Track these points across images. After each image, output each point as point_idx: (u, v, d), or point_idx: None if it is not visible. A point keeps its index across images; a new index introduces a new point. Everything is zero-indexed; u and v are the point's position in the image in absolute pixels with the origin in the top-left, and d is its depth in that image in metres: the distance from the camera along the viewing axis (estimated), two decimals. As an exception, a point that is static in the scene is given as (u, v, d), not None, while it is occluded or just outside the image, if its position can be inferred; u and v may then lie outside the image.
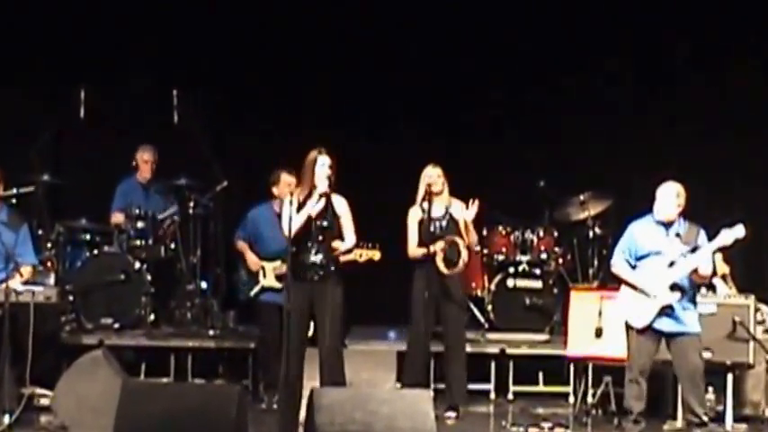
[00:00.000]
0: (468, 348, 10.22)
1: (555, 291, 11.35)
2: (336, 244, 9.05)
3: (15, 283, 9.40)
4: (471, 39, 12.19)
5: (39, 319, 9.26)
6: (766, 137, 11.70)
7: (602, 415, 9.99)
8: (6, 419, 9.07)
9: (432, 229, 9.79)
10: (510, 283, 11.42)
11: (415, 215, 9.89)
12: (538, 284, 11.39)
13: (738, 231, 8.68)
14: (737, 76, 11.89)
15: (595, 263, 11.36)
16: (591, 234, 11.42)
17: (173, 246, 11.24)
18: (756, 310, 9.66)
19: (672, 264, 8.80)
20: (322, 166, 8.98)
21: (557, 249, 11.56)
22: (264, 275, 10.35)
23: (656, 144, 11.72)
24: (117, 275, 11.03)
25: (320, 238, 8.99)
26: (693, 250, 8.78)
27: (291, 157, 9.94)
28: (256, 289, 10.37)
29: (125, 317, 11.04)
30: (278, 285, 10.07)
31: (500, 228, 11.55)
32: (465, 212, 9.79)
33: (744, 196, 11.26)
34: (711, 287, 9.87)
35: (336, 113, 12.13)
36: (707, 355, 9.06)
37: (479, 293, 11.44)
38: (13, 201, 10.27)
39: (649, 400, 8.99)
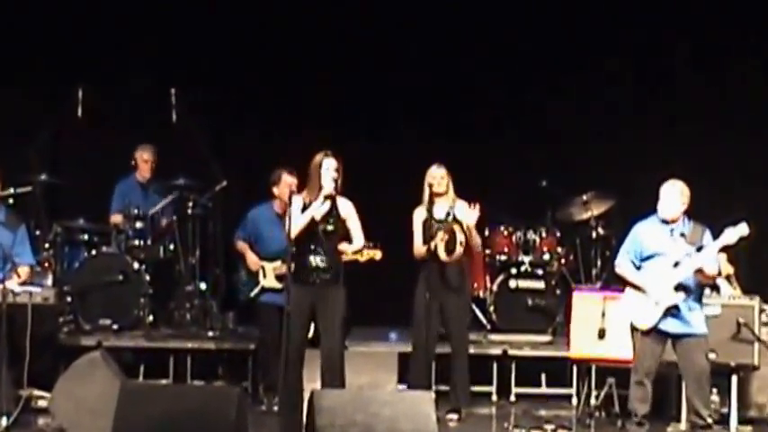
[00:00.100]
0: (471, 350, 10.19)
1: (558, 291, 11.32)
2: (344, 246, 9.05)
3: (13, 284, 9.37)
4: (471, 39, 12.20)
5: (36, 320, 9.26)
6: (766, 137, 11.69)
7: (605, 417, 9.95)
8: (4, 421, 9.06)
9: (434, 229, 9.74)
10: (512, 283, 11.39)
11: (419, 215, 9.86)
12: (540, 285, 11.36)
13: (742, 229, 8.65)
14: (737, 76, 11.89)
15: (598, 263, 11.34)
16: (594, 234, 11.40)
17: (171, 246, 11.22)
18: (761, 311, 9.61)
19: (677, 264, 8.75)
20: (327, 169, 8.98)
21: (559, 250, 11.53)
22: (265, 276, 10.31)
23: (657, 144, 11.72)
24: (115, 276, 10.99)
25: (323, 240, 8.97)
26: (698, 250, 8.75)
27: (291, 157, 10.01)
28: (256, 290, 10.33)
29: (123, 318, 11.01)
30: (278, 286, 10.04)
31: (502, 228, 11.53)
32: (467, 216, 9.74)
33: (744, 196, 11.23)
34: (716, 288, 9.85)
35: (336, 113, 12.13)
36: (711, 356, 9.01)
37: (481, 294, 11.41)
38: (11, 201, 10.25)
39: (653, 402, 8.94)
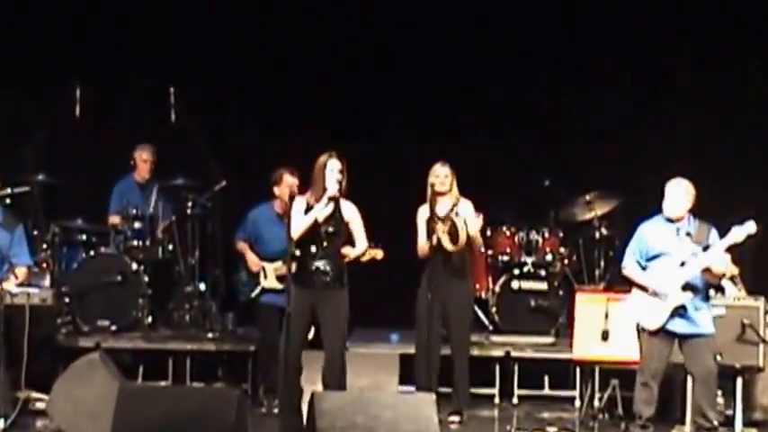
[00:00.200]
0: (473, 351, 10.17)
1: (560, 292, 11.28)
2: (346, 250, 9.03)
3: (10, 285, 9.36)
4: (471, 39, 12.20)
5: (34, 321, 9.28)
6: (766, 137, 11.70)
7: (608, 419, 9.92)
8: (1, 424, 9.04)
9: (435, 225, 9.69)
10: (515, 284, 11.34)
11: (423, 214, 9.82)
12: (543, 286, 11.31)
13: (750, 227, 8.62)
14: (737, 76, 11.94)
15: (602, 264, 11.32)
16: (597, 235, 11.37)
17: (170, 247, 11.19)
18: (766, 312, 9.55)
19: (683, 263, 8.72)
20: (332, 170, 8.96)
21: (562, 250, 11.49)
22: (265, 276, 10.27)
23: (660, 144, 11.69)
24: (114, 277, 10.95)
25: (325, 243, 8.95)
26: (705, 249, 8.72)
27: (291, 157, 10.06)
28: (257, 290, 10.29)
29: (122, 319, 10.97)
30: (279, 286, 10.01)
31: (504, 228, 11.49)
32: (470, 221, 9.70)
33: (745, 196, 11.20)
34: (720, 289, 9.79)
35: (336, 113, 12.13)
36: (717, 357, 8.93)
37: (483, 295, 11.36)
38: (8, 201, 10.22)
39: (657, 405, 8.89)
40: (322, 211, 8.93)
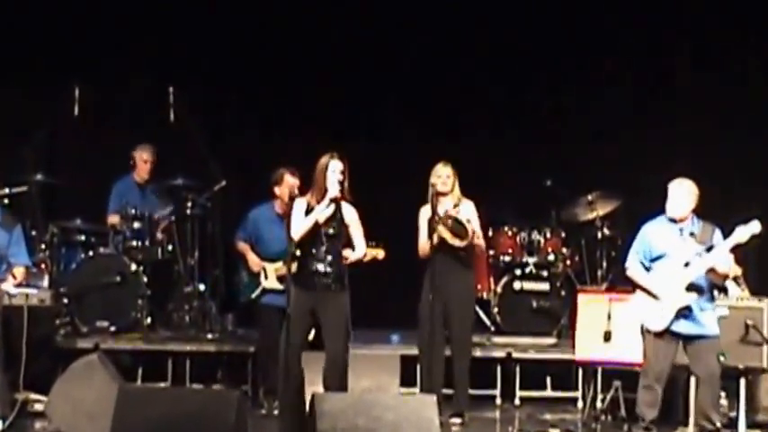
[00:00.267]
0: (475, 352, 10.15)
1: (563, 293, 11.27)
2: (347, 253, 9.00)
3: (8, 286, 9.36)
4: (471, 39, 12.22)
5: (32, 322, 9.30)
6: (767, 137, 11.72)
7: (611, 421, 9.89)
8: (0, 425, 8.98)
9: (436, 224, 9.66)
10: (516, 285, 11.33)
11: (425, 214, 9.79)
12: (545, 287, 11.31)
13: (754, 227, 8.59)
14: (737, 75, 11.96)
15: (604, 264, 11.31)
16: (599, 235, 11.38)
17: (170, 247, 11.17)
18: (770, 313, 9.52)
19: (687, 264, 8.68)
20: (333, 171, 8.91)
21: (564, 251, 11.47)
22: (266, 277, 10.25)
23: (658, 144, 11.71)
24: (113, 277, 10.92)
25: (326, 244, 8.91)
26: (708, 250, 8.68)
27: (291, 157, 10.05)
28: (258, 291, 10.26)
29: (121, 320, 10.94)
30: (280, 287, 9.98)
31: (506, 228, 11.48)
32: (473, 222, 9.69)
33: (745, 196, 11.22)
34: (723, 290, 9.74)
35: (336, 113, 12.14)
36: (721, 358, 8.85)
37: (485, 296, 11.33)
38: (6, 201, 10.24)
39: (660, 406, 8.83)
40: (323, 212, 8.90)
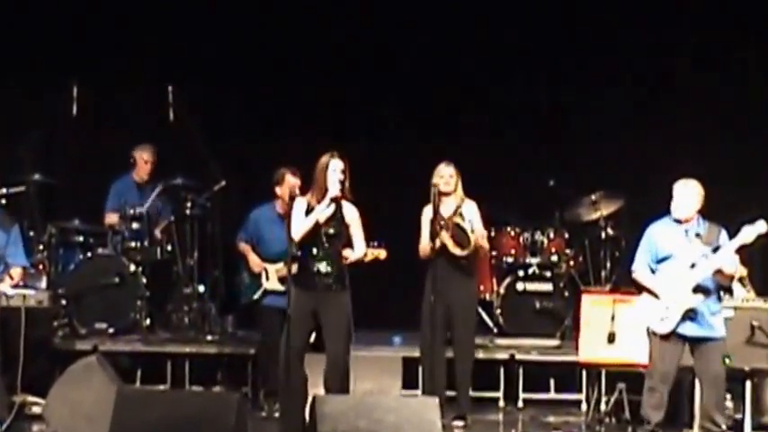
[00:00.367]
0: (477, 354, 10.11)
1: (566, 294, 11.22)
2: (347, 253, 8.95)
3: (6, 287, 9.35)
4: (471, 39, 12.23)
5: (30, 323, 9.27)
6: (767, 137, 11.73)
7: (615, 423, 9.87)
8: (-3, 428, 9.01)
9: (439, 227, 9.62)
10: (519, 286, 11.29)
11: (427, 214, 9.75)
12: (548, 287, 11.26)
13: (761, 227, 8.54)
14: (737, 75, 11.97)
15: (608, 265, 11.29)
16: (603, 235, 11.35)
17: (169, 247, 11.15)
18: (776, 314, 9.49)
19: (693, 265, 8.64)
20: (334, 170, 8.87)
21: (568, 251, 11.43)
22: (267, 278, 10.21)
23: (658, 144, 11.70)
24: (111, 278, 10.90)
25: (327, 244, 8.87)
26: (715, 251, 8.64)
27: (291, 157, 10.02)
28: (259, 292, 10.23)
29: (120, 321, 10.93)
30: (281, 288, 9.93)
31: (509, 229, 11.45)
32: (476, 223, 9.68)
33: (745, 196, 11.18)
34: (729, 291, 9.68)
35: (336, 113, 12.15)
36: (726, 360, 8.85)
37: (488, 297, 11.29)
38: (3, 201, 10.24)
39: (665, 409, 8.77)
40: (323, 212, 8.85)
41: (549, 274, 11.28)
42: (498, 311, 11.23)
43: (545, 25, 12.14)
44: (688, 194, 8.73)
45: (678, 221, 8.75)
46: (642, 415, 8.79)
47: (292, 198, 8.94)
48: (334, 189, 8.83)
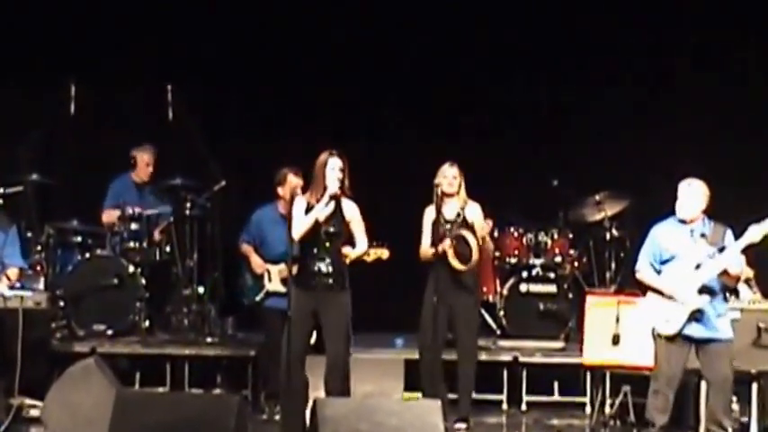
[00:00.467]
0: (480, 356, 10.08)
1: (570, 295, 11.18)
2: (347, 250, 8.93)
3: (3, 288, 9.36)
4: (471, 39, 12.25)
5: (28, 325, 9.27)
6: (767, 137, 11.72)
7: (620, 426, 9.86)
8: (-6, 431, 9.02)
9: (442, 230, 9.62)
10: (523, 287, 11.24)
11: (429, 215, 9.74)
12: (552, 289, 11.20)
13: (767, 226, 8.45)
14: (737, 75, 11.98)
15: (612, 266, 11.25)
16: (607, 236, 11.31)
17: (168, 248, 11.14)
18: (782, 316, 9.46)
19: (698, 266, 8.57)
20: (333, 168, 8.85)
21: (572, 252, 11.40)
22: (270, 279, 10.17)
23: (658, 144, 11.69)
24: (110, 280, 10.88)
25: (327, 243, 8.84)
26: (720, 251, 8.57)
27: (291, 157, 9.99)
28: (262, 294, 10.18)
29: (119, 323, 10.90)
30: (283, 290, 9.84)
31: (512, 230, 11.41)
32: (478, 226, 9.66)
33: (745, 197, 11.11)
34: (735, 292, 9.65)
35: (336, 113, 12.15)
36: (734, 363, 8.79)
37: (491, 298, 11.28)
38: (1, 201, 10.20)
39: (671, 412, 8.72)
40: (323, 210, 8.83)
41: (552, 275, 11.23)
42: (501, 313, 11.19)
43: (545, 25, 12.15)
44: (693, 194, 8.67)
45: (683, 222, 8.69)
46: (647, 418, 8.71)
47: (293, 197, 8.90)
48: (333, 187, 8.81)
